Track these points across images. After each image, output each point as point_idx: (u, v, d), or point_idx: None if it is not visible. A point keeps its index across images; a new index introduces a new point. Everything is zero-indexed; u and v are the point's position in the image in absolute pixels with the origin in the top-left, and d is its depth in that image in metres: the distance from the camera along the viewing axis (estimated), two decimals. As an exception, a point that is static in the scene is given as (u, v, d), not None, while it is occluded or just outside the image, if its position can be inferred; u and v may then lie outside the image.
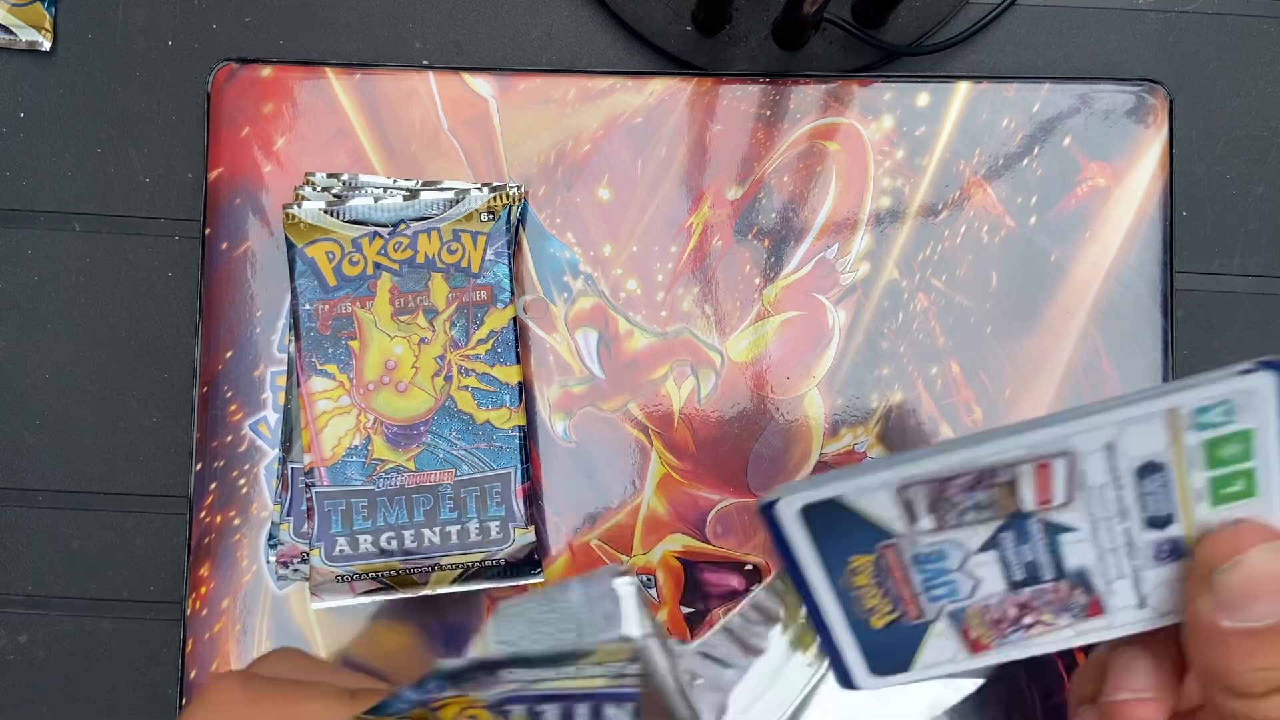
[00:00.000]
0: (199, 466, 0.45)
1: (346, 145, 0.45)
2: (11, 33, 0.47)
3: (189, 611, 0.44)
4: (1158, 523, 0.25)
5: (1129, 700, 0.27)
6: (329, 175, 0.45)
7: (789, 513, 0.26)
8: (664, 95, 0.45)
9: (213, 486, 0.44)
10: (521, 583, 0.44)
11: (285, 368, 0.45)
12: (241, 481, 0.45)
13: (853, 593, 0.26)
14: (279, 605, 0.44)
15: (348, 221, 0.44)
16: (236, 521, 0.44)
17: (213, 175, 0.45)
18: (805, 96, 0.46)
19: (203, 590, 0.44)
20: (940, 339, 0.45)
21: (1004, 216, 0.45)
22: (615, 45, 0.48)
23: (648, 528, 0.45)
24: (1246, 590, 0.23)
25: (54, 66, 0.48)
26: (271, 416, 0.45)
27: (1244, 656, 0.23)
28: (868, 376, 0.45)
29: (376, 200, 0.45)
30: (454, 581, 0.44)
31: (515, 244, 0.45)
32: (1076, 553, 0.26)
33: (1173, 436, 0.25)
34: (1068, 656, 0.44)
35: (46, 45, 0.48)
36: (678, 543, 0.45)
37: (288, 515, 0.44)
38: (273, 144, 0.45)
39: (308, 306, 0.44)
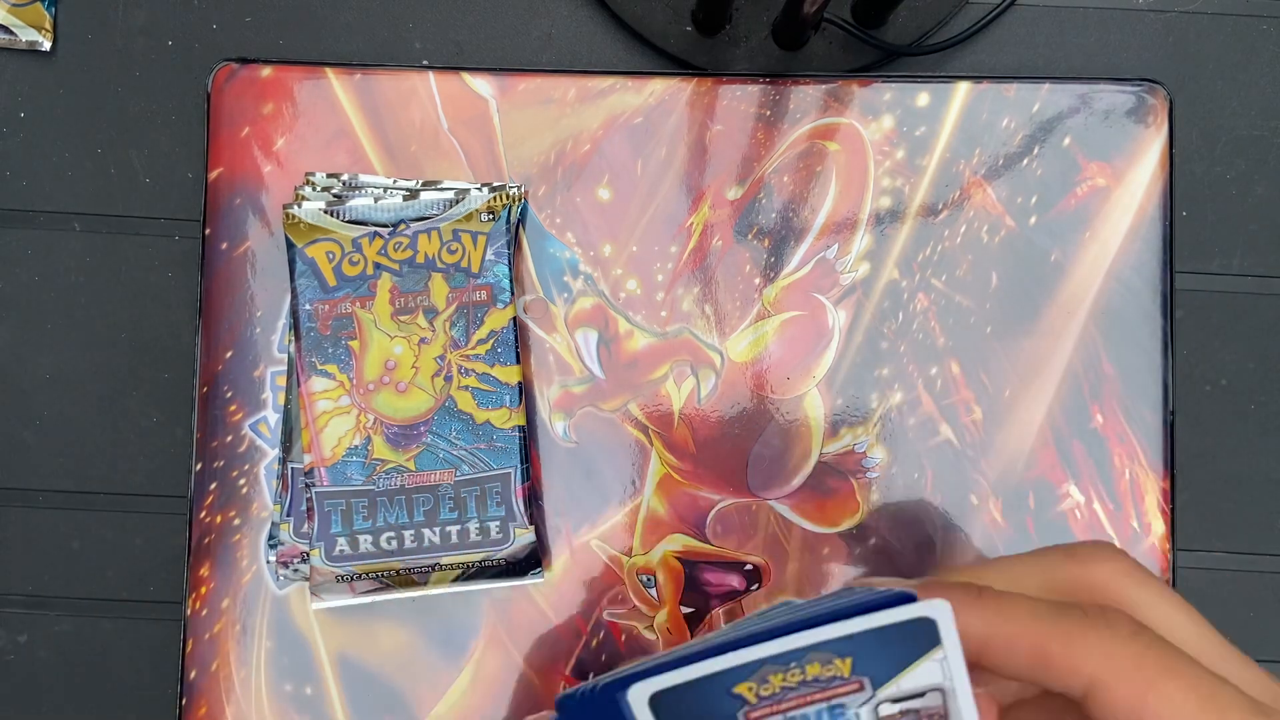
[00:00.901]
0: (199, 466, 0.45)
1: (346, 145, 0.45)
2: (11, 33, 0.47)
3: (189, 611, 0.44)
4: None
5: None
6: (329, 175, 0.45)
7: (640, 700, 0.24)
8: (664, 95, 0.45)
9: (213, 486, 0.44)
10: (522, 582, 0.44)
11: (285, 368, 0.45)
12: (241, 481, 0.45)
13: None
14: (279, 605, 0.44)
15: (348, 221, 0.44)
16: (236, 521, 0.44)
17: (213, 175, 0.45)
18: (805, 96, 0.46)
19: (203, 590, 0.44)
20: (940, 339, 0.45)
21: (1004, 216, 0.45)
22: (615, 45, 0.48)
23: (648, 528, 0.45)
24: None
25: (54, 67, 0.48)
26: (271, 416, 0.45)
27: None
28: (868, 376, 0.45)
29: (376, 200, 0.45)
30: (454, 581, 0.44)
31: (515, 244, 0.45)
32: None
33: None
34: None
35: (46, 45, 0.48)
36: (678, 543, 0.45)
37: (288, 515, 0.44)
38: (273, 144, 0.45)
39: (308, 306, 0.44)
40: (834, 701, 0.27)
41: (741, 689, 0.26)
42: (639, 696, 0.24)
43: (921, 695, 0.28)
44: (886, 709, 0.27)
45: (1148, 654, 0.23)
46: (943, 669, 0.27)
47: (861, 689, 0.27)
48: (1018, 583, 0.26)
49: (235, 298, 0.45)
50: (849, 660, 0.27)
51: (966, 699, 0.26)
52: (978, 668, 0.25)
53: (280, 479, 0.44)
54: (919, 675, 0.26)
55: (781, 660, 0.26)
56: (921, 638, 0.27)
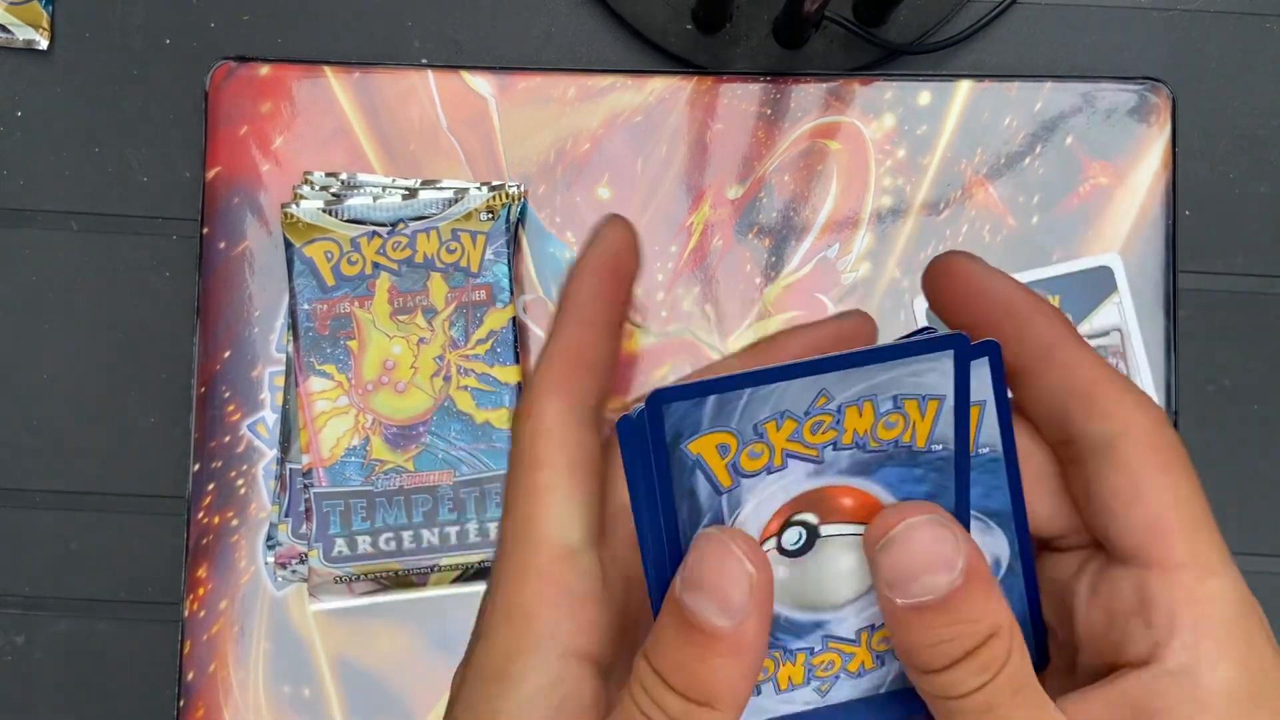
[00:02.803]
0: (197, 467, 0.44)
1: (345, 144, 0.45)
2: (9, 31, 0.47)
3: (187, 613, 0.44)
4: None
5: None
6: (327, 174, 0.45)
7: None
8: (664, 94, 0.45)
9: (210, 487, 0.44)
10: (521, 584, 0.44)
11: (283, 368, 0.45)
12: (240, 482, 0.44)
13: None
14: (277, 606, 0.44)
15: (346, 221, 0.44)
16: (234, 522, 0.44)
17: (210, 174, 0.45)
18: (806, 95, 0.45)
19: (200, 591, 0.44)
20: (942, 339, 0.45)
21: (1006, 216, 0.45)
22: (615, 44, 0.48)
23: (648, 529, 0.44)
24: (906, 567, 0.23)
25: (51, 65, 0.48)
26: (270, 417, 0.45)
27: (922, 632, 0.22)
28: (869, 377, 0.45)
29: (375, 199, 0.44)
30: (453, 582, 0.44)
31: (515, 243, 0.45)
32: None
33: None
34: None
35: (44, 44, 0.47)
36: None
37: (286, 516, 0.44)
38: (271, 143, 0.45)
39: (306, 306, 0.44)
40: None
41: None
42: (921, 304, 0.35)
43: (1106, 334, 0.37)
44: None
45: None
46: (1119, 311, 0.37)
47: None
48: None
49: (233, 297, 0.45)
50: (1058, 297, 0.38)
51: (1139, 341, 0.36)
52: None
53: (278, 479, 0.44)
54: (1103, 316, 0.36)
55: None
56: (1104, 285, 0.37)
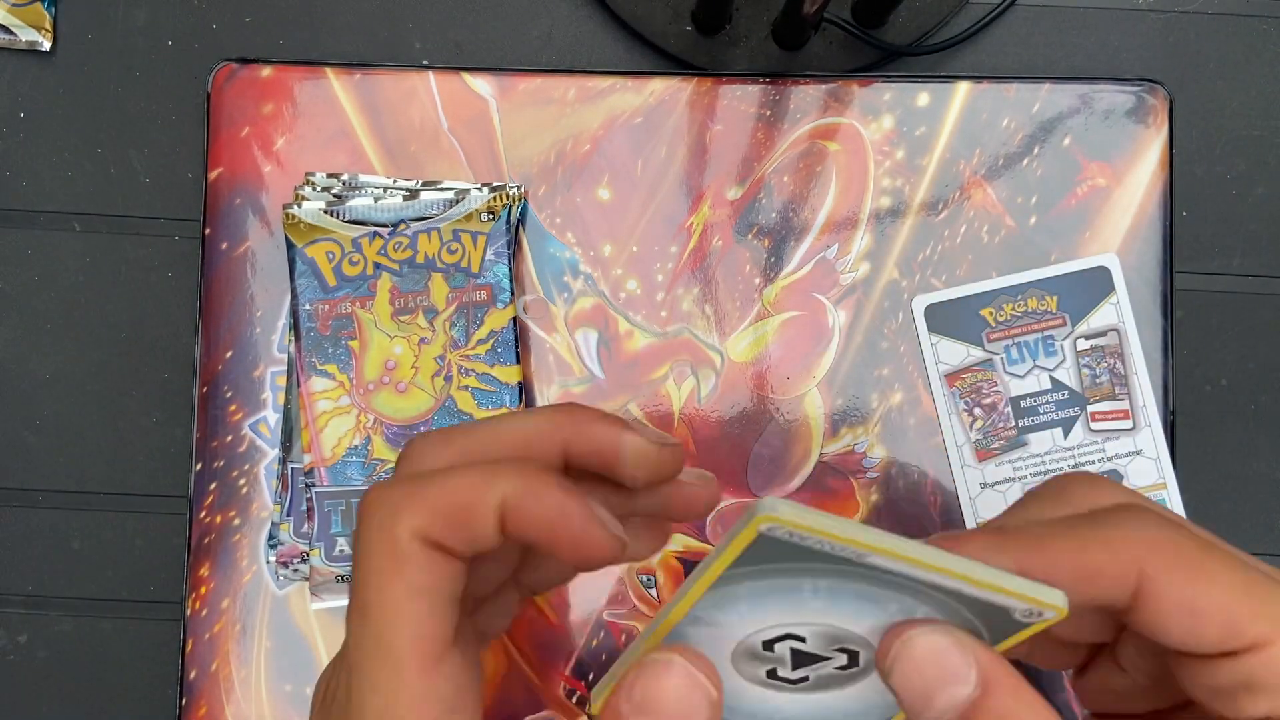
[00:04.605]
0: (199, 466, 0.45)
1: (346, 145, 0.45)
2: (11, 33, 0.47)
3: (189, 611, 0.44)
4: None
5: None
6: (329, 175, 0.45)
7: (920, 306, 0.30)
8: (664, 95, 0.45)
9: (212, 486, 0.44)
10: (521, 583, 0.44)
11: (285, 368, 0.45)
12: (241, 481, 0.45)
13: None
14: (279, 605, 0.44)
15: (348, 221, 0.44)
16: (236, 521, 0.44)
17: (213, 175, 0.45)
18: (805, 96, 0.46)
19: (202, 590, 0.44)
20: (940, 339, 0.45)
21: (1004, 216, 0.45)
22: (615, 45, 0.48)
23: (648, 528, 0.45)
24: (918, 687, 0.22)
25: (54, 66, 0.48)
26: (271, 416, 0.45)
27: None
28: (868, 376, 0.45)
29: (376, 200, 0.45)
30: (454, 581, 0.44)
31: (515, 244, 0.45)
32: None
33: None
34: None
35: (46, 45, 0.48)
36: (678, 543, 0.45)
37: (288, 515, 0.44)
38: (273, 144, 0.45)
39: (308, 306, 0.44)
40: (1046, 333, 0.41)
41: (984, 312, 0.40)
42: (920, 304, 0.39)
43: (1104, 335, 0.40)
44: (1081, 344, 0.38)
45: (1185, 541, 0.22)
46: (1117, 311, 0.40)
47: (1064, 324, 0.40)
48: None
49: (235, 298, 0.45)
50: (1055, 297, 0.41)
51: (1136, 341, 0.39)
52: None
53: (280, 479, 0.44)
54: (1101, 316, 0.38)
55: (1010, 292, 0.40)
56: (1102, 285, 0.41)
